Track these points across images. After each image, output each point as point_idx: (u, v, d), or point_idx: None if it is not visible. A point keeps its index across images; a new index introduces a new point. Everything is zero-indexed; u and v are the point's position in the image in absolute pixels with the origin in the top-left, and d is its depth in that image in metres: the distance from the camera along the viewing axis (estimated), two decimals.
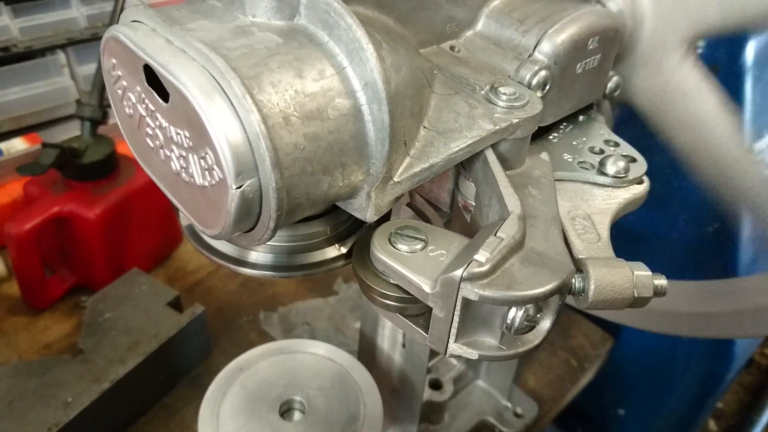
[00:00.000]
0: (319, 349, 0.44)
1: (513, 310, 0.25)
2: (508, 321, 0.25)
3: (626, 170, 0.31)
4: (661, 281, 0.28)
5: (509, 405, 0.61)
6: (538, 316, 0.26)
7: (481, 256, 0.24)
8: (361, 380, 0.42)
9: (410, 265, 0.25)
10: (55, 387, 0.53)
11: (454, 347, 0.26)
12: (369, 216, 0.25)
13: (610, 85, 0.36)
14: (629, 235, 0.70)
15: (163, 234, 0.74)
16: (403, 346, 0.44)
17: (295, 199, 0.22)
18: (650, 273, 0.27)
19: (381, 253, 0.25)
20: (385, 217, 0.30)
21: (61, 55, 0.74)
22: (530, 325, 0.26)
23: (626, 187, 0.32)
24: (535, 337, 0.27)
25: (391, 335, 0.45)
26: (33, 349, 0.63)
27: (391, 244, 0.26)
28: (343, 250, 0.29)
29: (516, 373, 0.62)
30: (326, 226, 0.29)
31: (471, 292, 0.23)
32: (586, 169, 0.32)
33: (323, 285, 0.73)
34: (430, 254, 0.26)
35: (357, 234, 0.30)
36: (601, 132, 0.35)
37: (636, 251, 0.72)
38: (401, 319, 0.27)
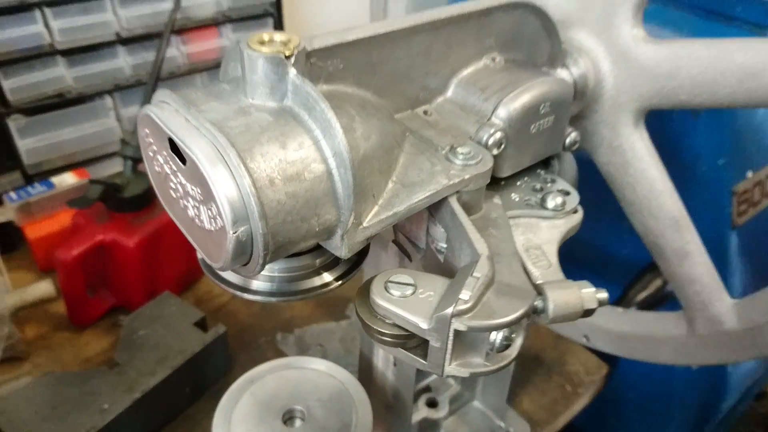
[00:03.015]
0: (321, 365, 0.50)
1: (494, 333, 0.31)
2: (491, 342, 0.31)
3: (563, 203, 0.37)
4: (603, 295, 0.33)
5: (503, 425, 0.65)
6: (513, 335, 0.32)
7: (465, 294, 0.29)
8: (356, 394, 0.48)
9: (406, 308, 0.30)
10: (93, 395, 0.60)
11: (449, 369, 0.31)
12: (343, 254, 0.31)
13: (568, 140, 0.42)
14: (616, 262, 0.74)
15: (192, 261, 0.81)
16: (395, 365, 0.50)
17: (279, 241, 0.28)
18: (594, 289, 0.33)
19: (381, 300, 0.31)
20: (364, 251, 0.36)
21: (108, 100, 0.83)
22: (507, 343, 0.32)
23: (564, 217, 0.37)
24: (512, 352, 0.32)
25: (384, 356, 0.51)
26: (75, 362, 0.71)
27: (387, 291, 0.31)
28: (329, 278, 0.35)
29: (509, 394, 0.67)
30: (315, 259, 0.35)
31: (461, 324, 0.29)
32: (531, 206, 0.37)
33: (336, 309, 0.79)
34: (420, 296, 0.31)
35: (341, 266, 0.36)
36: (538, 171, 0.40)
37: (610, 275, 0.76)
38: (403, 351, 0.32)
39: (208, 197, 0.27)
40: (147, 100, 0.70)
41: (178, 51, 0.86)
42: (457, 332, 0.29)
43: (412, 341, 0.31)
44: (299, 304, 0.80)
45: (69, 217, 0.79)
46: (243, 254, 0.28)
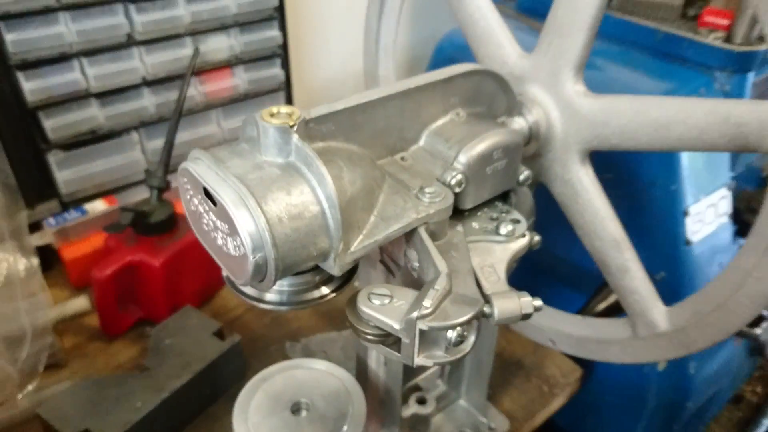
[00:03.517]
0: (322, 366, 0.59)
1: (450, 332, 0.40)
2: (448, 339, 0.40)
3: (513, 230, 0.46)
4: (537, 302, 0.42)
5: (485, 420, 0.74)
6: (465, 333, 0.41)
7: (427, 302, 0.38)
8: (352, 389, 0.57)
9: (384, 313, 0.40)
10: (127, 395, 0.69)
11: (417, 360, 0.40)
12: (336, 272, 0.40)
13: (521, 177, 0.51)
14: (583, 275, 0.83)
15: (210, 278, 0.91)
16: (385, 365, 0.59)
17: (286, 263, 0.37)
18: (530, 298, 0.42)
19: (365, 307, 0.40)
20: (354, 269, 0.45)
21: (134, 135, 0.93)
22: (461, 339, 0.41)
23: (514, 241, 0.46)
24: (466, 347, 0.41)
25: (377, 357, 0.60)
26: (108, 368, 0.80)
27: (370, 301, 0.41)
28: (327, 291, 0.45)
29: (491, 395, 0.75)
30: (314, 276, 0.44)
31: (424, 325, 0.38)
32: (488, 232, 0.46)
33: (339, 321, 0.88)
34: (395, 304, 0.40)
35: (336, 281, 0.45)
36: (496, 203, 0.50)
37: (578, 286, 0.85)
38: (382, 347, 0.42)
39: (233, 231, 0.37)
40: (171, 134, 0.80)
41: (196, 90, 0.96)
42: (421, 331, 0.38)
43: (390, 339, 0.40)
44: (305, 316, 0.89)
45: (100, 240, 0.89)
46: (259, 273, 0.37)
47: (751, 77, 0.78)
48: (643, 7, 0.85)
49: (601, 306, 0.73)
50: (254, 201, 0.36)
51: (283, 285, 0.44)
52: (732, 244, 0.82)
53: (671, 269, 0.77)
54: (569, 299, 0.81)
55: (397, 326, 0.39)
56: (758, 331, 0.95)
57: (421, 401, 0.70)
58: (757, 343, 1.08)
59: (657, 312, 0.55)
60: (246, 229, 0.36)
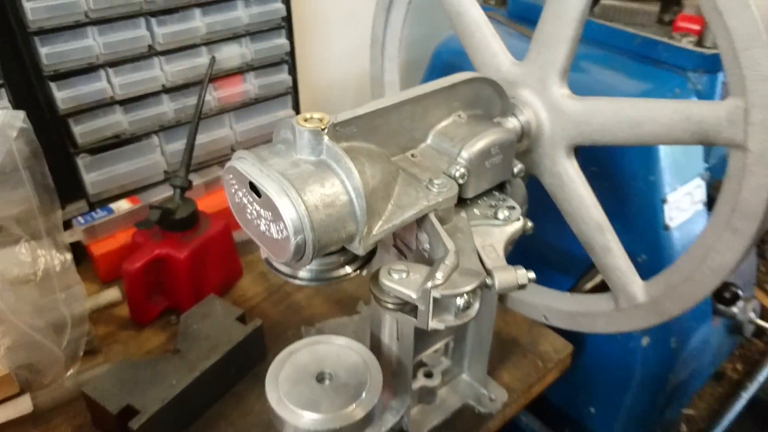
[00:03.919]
0: (342, 341, 0.66)
1: (459, 299, 0.47)
2: (457, 305, 0.47)
3: (509, 216, 0.54)
4: (531, 275, 0.49)
5: (486, 392, 0.81)
6: (471, 300, 0.48)
7: (439, 275, 0.46)
8: (369, 360, 0.64)
9: (402, 285, 0.47)
10: (162, 374, 0.76)
11: (432, 323, 0.48)
12: (361, 252, 0.48)
13: (515, 170, 0.59)
14: (571, 258, 0.91)
15: (229, 270, 0.98)
16: (398, 339, 0.67)
17: (321, 244, 0.45)
18: (525, 271, 0.49)
19: (386, 281, 0.47)
20: (373, 251, 0.53)
21: (155, 139, 1.00)
22: (467, 305, 0.48)
23: (510, 224, 0.54)
24: (472, 312, 0.49)
25: (389, 332, 0.67)
26: (139, 353, 0.87)
27: (390, 275, 0.48)
28: (350, 270, 0.52)
29: (491, 370, 0.83)
30: (339, 257, 0.52)
31: (437, 294, 0.46)
32: (487, 217, 0.54)
33: (350, 307, 0.95)
34: (412, 278, 0.48)
35: (357, 261, 0.52)
36: (494, 193, 0.57)
37: (567, 268, 0.93)
38: (401, 314, 0.49)
39: (277, 218, 0.44)
40: (192, 137, 0.87)
41: (210, 96, 1.03)
42: (435, 299, 0.46)
43: (407, 307, 0.48)
44: (318, 303, 0.96)
45: (126, 236, 0.96)
46: (299, 253, 0.45)
47: (721, 77, 0.86)
48: (623, 14, 0.93)
49: (588, 285, 0.81)
50: (295, 192, 0.43)
51: (313, 265, 0.51)
52: None
53: (651, 252, 0.85)
54: (560, 281, 0.88)
55: (414, 295, 0.46)
56: (735, 309, 1.04)
57: (428, 375, 0.78)
58: (734, 321, 1.17)
59: (636, 286, 0.62)
60: (289, 215, 0.43)
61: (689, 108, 0.52)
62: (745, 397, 1.16)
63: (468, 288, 0.46)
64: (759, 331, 1.24)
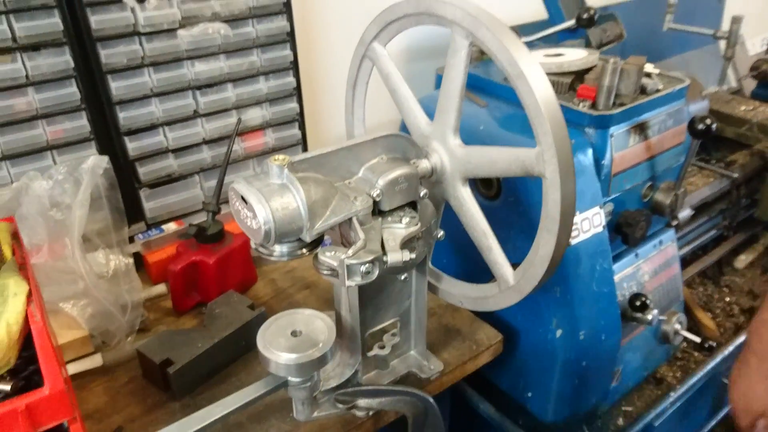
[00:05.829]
0: (312, 312, 0.97)
1: (362, 266, 0.77)
2: (362, 271, 0.77)
3: (410, 222, 0.84)
4: (407, 256, 0.79)
5: (426, 363, 1.09)
6: (371, 268, 0.78)
7: (350, 251, 0.77)
8: (328, 324, 0.94)
9: (331, 258, 0.78)
10: (193, 340, 1.06)
11: (348, 282, 0.78)
12: (307, 239, 0.79)
13: (421, 193, 0.89)
14: None
15: (247, 275, 1.30)
16: (350, 311, 0.96)
17: (280, 233, 0.76)
18: (409, 252, 0.79)
19: (322, 256, 0.78)
20: (319, 240, 0.84)
21: (196, 178, 1.35)
22: (368, 271, 0.78)
23: (409, 228, 0.84)
24: (373, 275, 0.79)
25: (344, 307, 0.97)
26: None
27: (324, 255, 0.79)
28: (306, 251, 0.83)
29: (435, 352, 1.11)
30: (300, 244, 0.83)
31: (348, 262, 0.76)
32: (396, 222, 0.84)
33: (330, 300, 1.25)
34: (336, 255, 0.79)
35: (309, 246, 0.83)
36: (405, 207, 0.87)
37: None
38: (332, 278, 0.80)
39: (254, 215, 0.76)
40: (221, 176, 1.21)
41: (238, 146, 1.38)
42: (347, 266, 0.76)
43: (335, 273, 0.79)
44: (311, 301, 1.27)
45: (172, 249, 1.30)
46: (267, 237, 0.76)
47: (610, 131, 1.15)
48: None
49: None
50: (265, 200, 0.75)
51: (284, 248, 0.83)
52: (606, 247, 1.17)
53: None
54: (485, 276, 1.16)
55: (335, 264, 0.77)
56: (648, 317, 1.28)
57: (381, 347, 1.07)
58: (661, 330, 1.41)
59: (508, 273, 0.91)
60: (261, 214, 0.75)
61: (518, 153, 0.81)
62: (673, 396, 1.39)
63: (368, 259, 0.76)
64: (701, 345, 1.47)
